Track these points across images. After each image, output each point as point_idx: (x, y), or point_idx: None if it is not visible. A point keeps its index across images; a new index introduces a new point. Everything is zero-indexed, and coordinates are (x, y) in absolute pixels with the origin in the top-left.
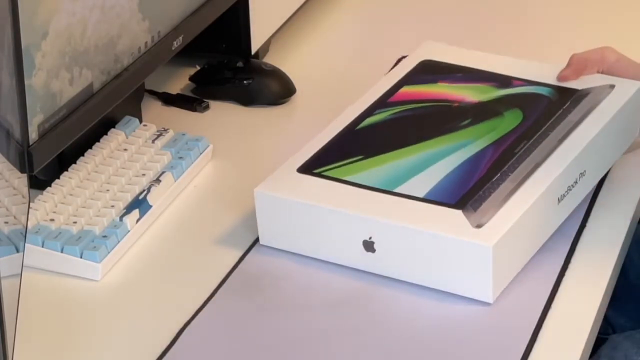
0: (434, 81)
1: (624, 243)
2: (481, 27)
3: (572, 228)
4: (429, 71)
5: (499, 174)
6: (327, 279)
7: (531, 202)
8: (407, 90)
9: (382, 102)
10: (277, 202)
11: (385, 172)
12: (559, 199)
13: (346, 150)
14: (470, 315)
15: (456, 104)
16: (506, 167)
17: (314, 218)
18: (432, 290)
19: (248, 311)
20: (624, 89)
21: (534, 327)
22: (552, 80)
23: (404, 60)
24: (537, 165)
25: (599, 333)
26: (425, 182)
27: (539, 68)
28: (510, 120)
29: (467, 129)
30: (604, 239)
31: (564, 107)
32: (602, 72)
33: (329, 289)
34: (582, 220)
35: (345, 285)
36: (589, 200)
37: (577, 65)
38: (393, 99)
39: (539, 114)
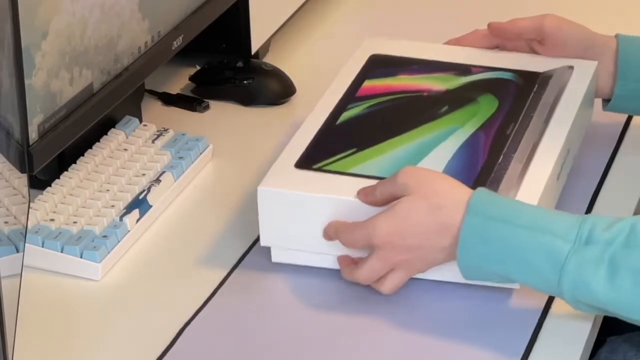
0: (393, 74)
1: None
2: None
3: None
4: (382, 65)
5: (502, 156)
6: (328, 278)
7: (545, 181)
8: (371, 84)
9: (351, 97)
10: (286, 198)
11: (387, 162)
12: (557, 176)
13: (335, 145)
14: (470, 316)
15: (426, 94)
16: (506, 148)
17: (328, 211)
18: (437, 288)
19: (248, 311)
20: (583, 70)
21: (533, 328)
22: (509, 65)
23: (352, 57)
24: (535, 146)
25: (598, 335)
26: (432, 168)
27: (487, 54)
28: (487, 105)
29: (447, 115)
30: None
31: (535, 90)
32: (541, 40)
33: (330, 288)
34: None
35: (346, 285)
36: (589, 200)
37: (508, 25)
38: (360, 93)
39: (512, 97)
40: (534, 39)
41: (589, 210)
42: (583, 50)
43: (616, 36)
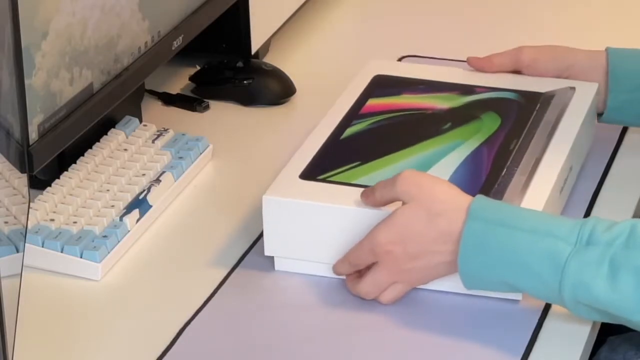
0: (397, 93)
1: None
2: (482, 27)
3: None
4: (386, 85)
5: (505, 169)
6: (328, 278)
7: (548, 193)
8: (375, 102)
9: (355, 114)
10: (291, 207)
11: (391, 174)
12: (560, 191)
13: (340, 158)
14: (470, 316)
15: (429, 111)
16: (509, 162)
17: (333, 221)
18: (436, 292)
19: (248, 311)
20: (584, 91)
21: (533, 328)
22: (512, 86)
23: (355, 77)
24: (538, 160)
25: (598, 334)
26: None
27: (489, 76)
28: (490, 122)
29: (451, 131)
30: None
31: (537, 109)
32: (520, 72)
33: (330, 288)
34: None
35: (346, 285)
36: (589, 200)
37: (485, 64)
38: (364, 110)
39: (515, 116)
40: (513, 72)
41: (589, 210)
42: (565, 70)
43: (606, 49)
